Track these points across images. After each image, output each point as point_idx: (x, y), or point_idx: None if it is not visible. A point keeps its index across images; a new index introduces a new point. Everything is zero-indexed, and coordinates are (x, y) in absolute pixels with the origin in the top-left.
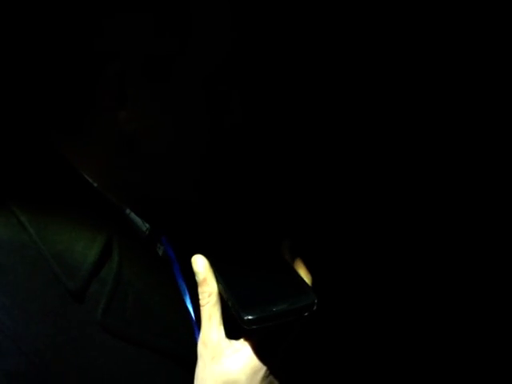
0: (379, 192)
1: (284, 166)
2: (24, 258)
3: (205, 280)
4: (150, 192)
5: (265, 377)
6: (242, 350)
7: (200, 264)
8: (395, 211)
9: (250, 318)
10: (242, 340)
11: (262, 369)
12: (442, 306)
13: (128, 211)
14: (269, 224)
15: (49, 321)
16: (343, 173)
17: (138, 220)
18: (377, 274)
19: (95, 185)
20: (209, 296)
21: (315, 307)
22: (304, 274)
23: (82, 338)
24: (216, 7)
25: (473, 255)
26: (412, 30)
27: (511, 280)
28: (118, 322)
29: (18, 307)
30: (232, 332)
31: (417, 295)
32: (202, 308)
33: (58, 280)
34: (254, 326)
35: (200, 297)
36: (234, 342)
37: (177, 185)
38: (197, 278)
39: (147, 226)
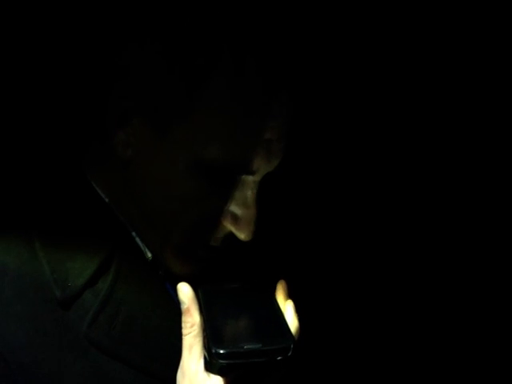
0: (379, 194)
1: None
2: (18, 257)
3: (188, 310)
4: (147, 231)
5: None
6: None
7: (185, 293)
8: (394, 214)
9: (219, 351)
10: (218, 376)
11: None
12: (441, 307)
13: (134, 234)
14: (266, 264)
15: (30, 322)
16: (341, 181)
17: (141, 246)
18: (377, 277)
19: (107, 200)
20: (191, 326)
21: (290, 352)
22: (291, 318)
23: (63, 345)
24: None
25: (473, 255)
26: (412, 30)
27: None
28: (103, 336)
29: (1, 304)
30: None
31: (417, 297)
32: (183, 338)
33: (48, 285)
34: (223, 361)
35: (182, 326)
36: (211, 375)
37: (166, 247)
38: (181, 307)
39: (149, 255)
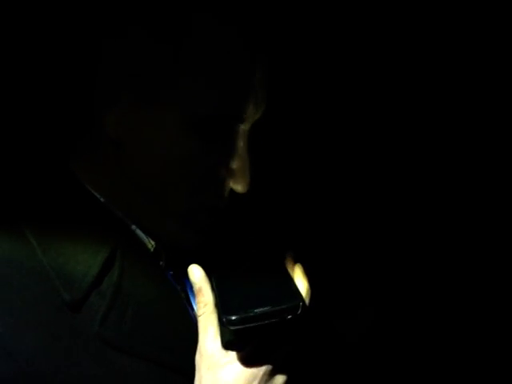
0: (379, 194)
1: (283, 175)
2: (22, 269)
3: (200, 290)
4: (148, 216)
5: None
6: (236, 361)
7: (196, 274)
8: (395, 213)
9: (230, 318)
10: (236, 352)
11: (256, 379)
12: (441, 307)
13: (134, 227)
14: (272, 233)
15: (43, 329)
16: (343, 176)
17: (143, 237)
18: (377, 274)
19: (102, 200)
20: (204, 306)
21: (299, 310)
22: (300, 280)
23: (77, 348)
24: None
25: (473, 255)
26: (412, 30)
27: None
28: (115, 333)
29: (11, 315)
30: (229, 342)
31: (416, 297)
32: (198, 318)
33: (56, 291)
34: (235, 327)
35: (196, 307)
36: (229, 352)
37: (165, 220)
38: (194, 288)
39: (153, 243)
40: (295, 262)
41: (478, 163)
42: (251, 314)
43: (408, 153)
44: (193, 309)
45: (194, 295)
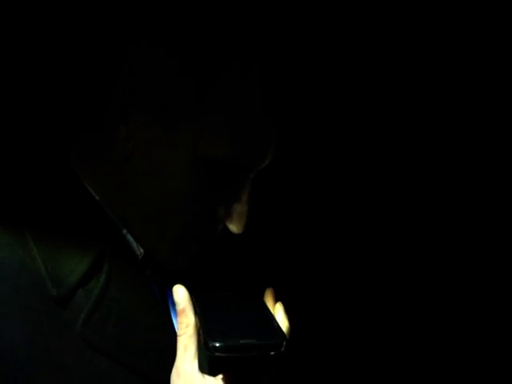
0: (373, 195)
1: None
2: (13, 255)
3: (183, 311)
4: (139, 227)
5: None
6: None
7: (180, 295)
8: (394, 215)
9: (216, 345)
10: (213, 376)
11: None
12: (441, 307)
13: (125, 232)
14: (255, 269)
15: (28, 318)
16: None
17: (133, 243)
18: (376, 277)
19: (97, 198)
20: (186, 327)
21: (283, 348)
22: (281, 318)
23: (60, 344)
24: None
25: (473, 255)
26: (412, 30)
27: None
28: (97, 335)
29: None
30: (207, 367)
31: (416, 297)
32: (178, 338)
33: (43, 283)
34: (219, 354)
35: (178, 327)
36: (206, 376)
37: (158, 243)
38: (176, 308)
39: (141, 251)
40: (275, 298)
41: (478, 163)
42: (237, 344)
43: (407, 154)
44: (172, 321)
45: (174, 310)
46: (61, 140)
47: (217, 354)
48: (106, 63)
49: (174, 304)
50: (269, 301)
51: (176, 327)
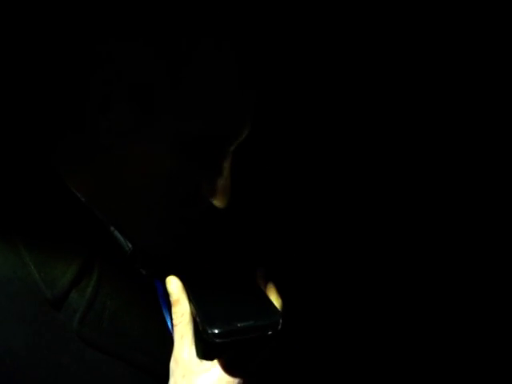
0: (378, 195)
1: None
2: (5, 262)
3: (178, 300)
4: (125, 219)
5: None
6: (212, 369)
7: (174, 285)
8: (393, 215)
9: (214, 331)
10: (211, 361)
11: None
12: (441, 307)
13: (112, 229)
14: (245, 251)
15: (25, 323)
16: (335, 180)
17: (120, 239)
18: (376, 276)
19: (83, 199)
20: (181, 316)
21: (279, 326)
22: (274, 298)
23: (57, 345)
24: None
25: (473, 255)
26: (412, 30)
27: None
28: (93, 332)
29: None
30: (204, 352)
31: (416, 297)
32: (174, 327)
33: (37, 287)
34: (219, 340)
35: (173, 316)
36: (204, 361)
37: (144, 228)
38: (170, 299)
39: (130, 246)
40: (266, 279)
41: (478, 163)
42: (234, 328)
43: (407, 154)
44: (163, 312)
45: (164, 301)
46: (42, 141)
47: (217, 340)
48: (84, 56)
49: (163, 296)
50: (260, 282)
51: (167, 318)
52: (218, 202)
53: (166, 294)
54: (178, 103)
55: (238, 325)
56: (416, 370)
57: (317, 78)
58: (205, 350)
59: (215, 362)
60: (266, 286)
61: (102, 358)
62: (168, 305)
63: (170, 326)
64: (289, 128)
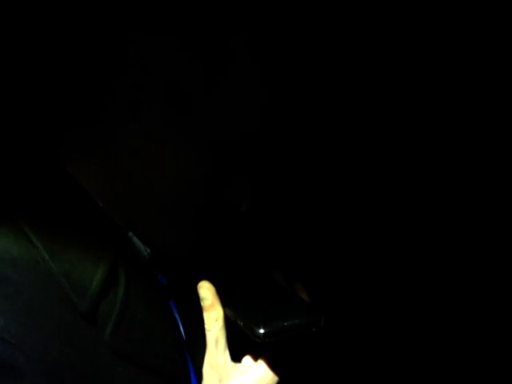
0: (378, 196)
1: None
2: (37, 276)
3: (212, 305)
4: (147, 224)
5: None
6: (248, 372)
7: (207, 290)
8: (393, 215)
9: (264, 331)
10: (247, 363)
11: None
12: (441, 307)
13: (131, 234)
14: (262, 253)
15: (65, 340)
16: (338, 182)
17: (139, 244)
18: (377, 277)
19: (101, 205)
20: (216, 321)
21: (322, 322)
22: (305, 296)
23: (95, 359)
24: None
25: (473, 255)
26: (412, 30)
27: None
28: (124, 343)
29: (37, 328)
30: (237, 356)
31: (416, 297)
32: (208, 333)
33: (69, 299)
34: (268, 339)
35: (206, 321)
36: (239, 364)
37: (161, 234)
38: (203, 304)
39: (148, 251)
40: (286, 279)
41: (478, 163)
42: (282, 327)
43: (407, 154)
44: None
45: (175, 306)
46: (58, 143)
47: (266, 339)
48: (113, 58)
49: (175, 305)
50: (281, 282)
51: (180, 324)
52: (239, 207)
53: (180, 300)
54: (211, 109)
55: (285, 323)
56: (416, 370)
57: (318, 78)
58: (244, 353)
59: (251, 365)
60: (289, 286)
61: (130, 368)
62: (179, 310)
63: (182, 331)
64: (293, 131)
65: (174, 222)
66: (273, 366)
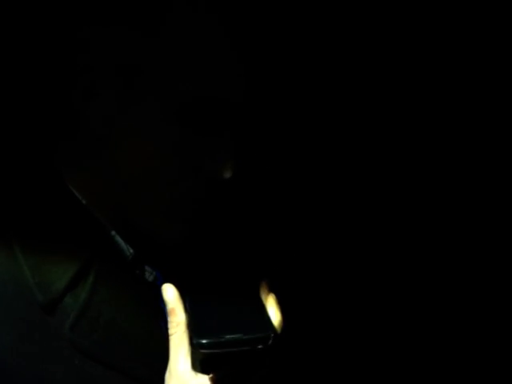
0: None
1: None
2: (0, 265)
3: (173, 310)
4: (131, 218)
5: None
6: (206, 383)
7: (169, 294)
8: (393, 216)
9: (201, 342)
10: (206, 375)
11: None
12: (441, 307)
13: (113, 233)
14: (249, 262)
15: (15, 328)
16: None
17: (122, 243)
18: (376, 277)
19: (84, 202)
20: (177, 326)
21: (270, 341)
22: (274, 311)
23: (49, 352)
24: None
25: (473, 255)
26: (412, 30)
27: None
28: (85, 339)
29: None
30: (199, 365)
31: (416, 297)
32: (170, 337)
33: (30, 290)
34: (205, 351)
35: (169, 326)
36: (199, 374)
37: (150, 217)
38: (166, 307)
39: (131, 251)
40: (269, 290)
41: (478, 163)
42: (221, 340)
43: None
44: (165, 322)
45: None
46: (43, 141)
47: (202, 350)
48: (63, 47)
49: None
50: (263, 293)
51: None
52: (221, 175)
53: None
54: (164, 69)
55: (227, 337)
56: (416, 370)
57: (316, 77)
58: (200, 363)
59: (210, 375)
60: (267, 298)
61: (95, 367)
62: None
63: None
64: (289, 129)
65: (157, 203)
66: (231, 381)
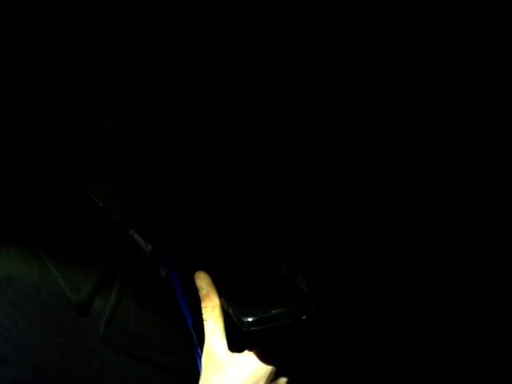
0: (378, 195)
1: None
2: (30, 270)
3: (207, 295)
4: (148, 208)
5: None
6: (244, 361)
7: (203, 279)
8: (394, 214)
9: (249, 320)
10: (243, 353)
11: (263, 379)
12: (441, 307)
13: (132, 232)
14: (268, 242)
15: (55, 331)
16: (341, 178)
17: (141, 241)
18: (377, 276)
19: (101, 204)
20: (212, 310)
21: (313, 311)
22: (303, 284)
23: (86, 350)
24: (197, 8)
25: (473, 255)
26: (412, 30)
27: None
28: (119, 336)
29: (24, 317)
30: (235, 346)
31: (416, 297)
32: (205, 322)
33: (62, 293)
34: (254, 328)
35: (203, 311)
36: (236, 354)
37: (168, 199)
38: (200, 294)
39: (150, 247)
40: (291, 268)
41: (478, 163)
42: (269, 315)
43: (407, 154)
44: (183, 311)
45: (184, 299)
46: (58, 148)
47: (252, 328)
48: (74, 53)
49: (182, 294)
50: (285, 271)
51: (189, 321)
52: (232, 140)
53: (186, 292)
54: (163, 57)
55: (273, 312)
56: (416, 370)
57: (317, 77)
58: (239, 343)
59: (247, 354)
60: (292, 275)
61: (129, 361)
62: (187, 303)
63: (190, 325)
64: (293, 128)
65: (176, 181)
66: (268, 357)
